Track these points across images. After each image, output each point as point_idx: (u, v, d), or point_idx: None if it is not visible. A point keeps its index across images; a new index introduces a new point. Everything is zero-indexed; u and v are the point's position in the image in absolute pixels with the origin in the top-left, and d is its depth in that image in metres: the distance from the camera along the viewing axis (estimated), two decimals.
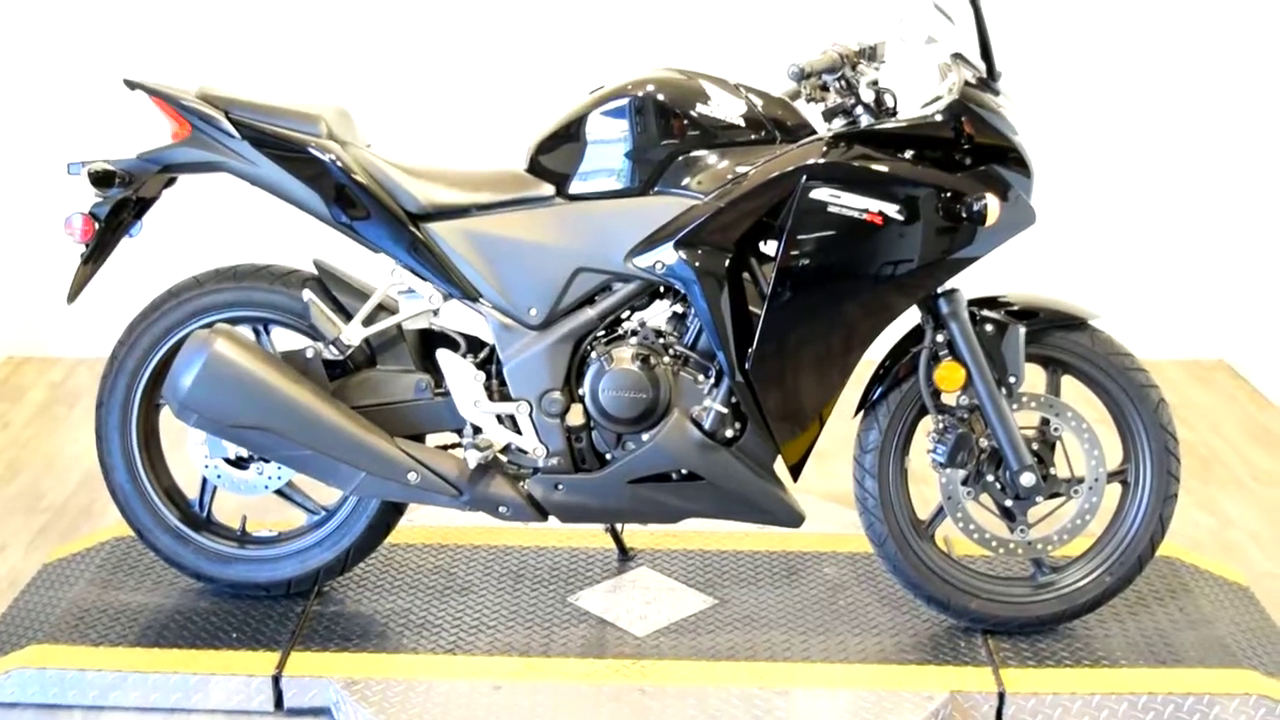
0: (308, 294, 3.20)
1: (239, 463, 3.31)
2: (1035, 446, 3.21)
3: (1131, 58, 5.08)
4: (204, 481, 3.38)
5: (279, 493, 3.37)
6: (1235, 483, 4.30)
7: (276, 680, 3.12)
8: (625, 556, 3.62)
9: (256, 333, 3.32)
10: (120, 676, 3.13)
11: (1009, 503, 3.22)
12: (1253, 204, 5.15)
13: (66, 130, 5.06)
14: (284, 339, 3.31)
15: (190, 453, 3.33)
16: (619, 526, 3.60)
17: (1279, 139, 5.01)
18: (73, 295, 3.31)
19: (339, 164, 3.13)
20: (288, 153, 3.15)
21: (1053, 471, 3.23)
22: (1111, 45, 5.06)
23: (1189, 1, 5.05)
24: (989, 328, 3.17)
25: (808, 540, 3.67)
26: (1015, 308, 3.21)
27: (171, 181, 3.35)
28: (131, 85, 3.23)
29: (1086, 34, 5.02)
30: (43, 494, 4.16)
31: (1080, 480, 3.24)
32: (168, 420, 3.33)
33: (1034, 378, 3.20)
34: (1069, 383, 3.26)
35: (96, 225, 3.22)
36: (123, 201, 3.24)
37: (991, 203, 2.96)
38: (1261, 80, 5.06)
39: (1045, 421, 3.24)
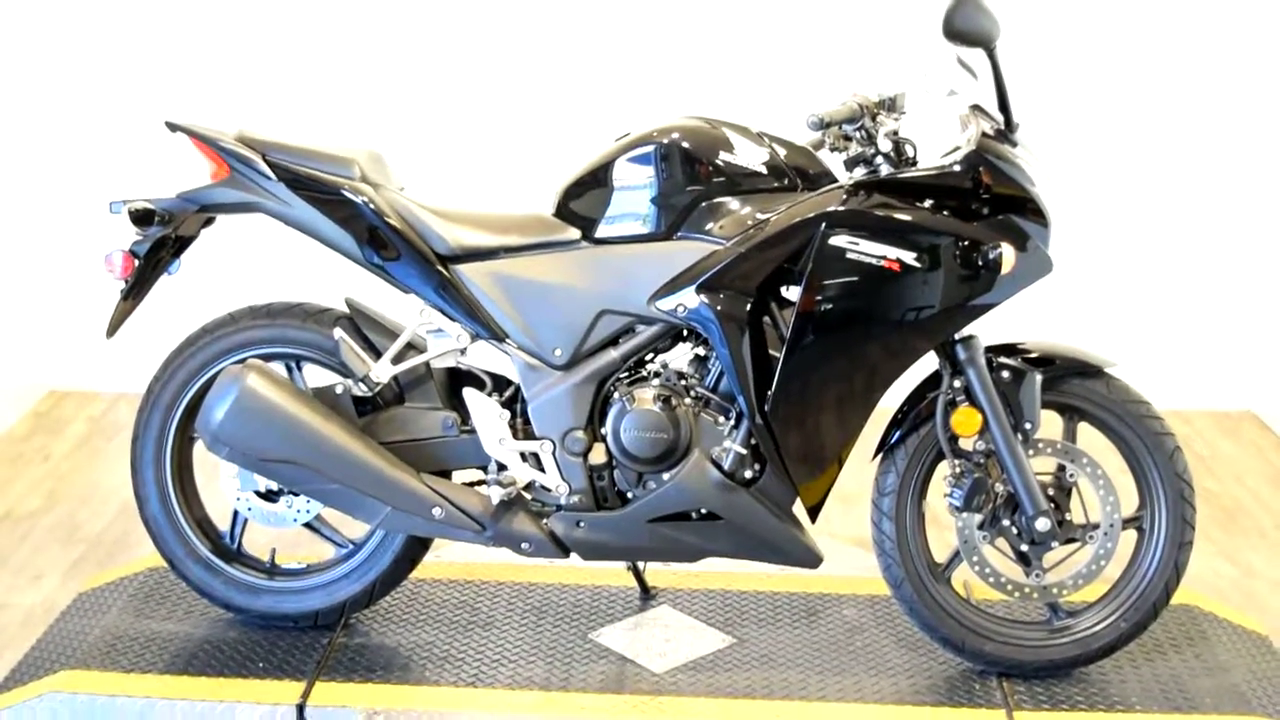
0: (338, 332, 3.29)
1: (269, 496, 3.39)
2: (1051, 492, 3.25)
3: (1156, 106, 5.14)
4: (235, 514, 3.46)
5: (308, 526, 3.44)
6: (1259, 533, 4.32)
7: (301, 709, 3.18)
8: (647, 595, 3.67)
9: (289, 369, 3.40)
10: (149, 703, 3.20)
11: (1025, 547, 3.26)
12: None
13: (108, 170, 5.20)
14: (316, 375, 3.39)
15: (222, 486, 3.40)
16: (640, 565, 3.66)
17: None
18: (112, 330, 3.40)
19: (371, 206, 3.22)
20: (322, 194, 3.24)
21: (1068, 517, 3.27)
22: (1133, 94, 5.12)
23: (1206, 52, 5.09)
24: (1006, 374, 3.21)
25: (828, 582, 3.71)
26: (1032, 355, 3.25)
27: (210, 221, 3.43)
28: (173, 127, 3.32)
29: (1107, 83, 5.08)
30: (80, 525, 4.25)
31: (1095, 526, 3.28)
32: (201, 454, 3.42)
33: (1051, 424, 3.24)
34: (1085, 430, 3.30)
35: (136, 262, 3.31)
36: (162, 240, 3.32)
37: (1007, 251, 3.02)
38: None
39: (1061, 468, 3.28)
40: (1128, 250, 5.19)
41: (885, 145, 3.11)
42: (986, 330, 3.20)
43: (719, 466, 3.21)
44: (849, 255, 3.06)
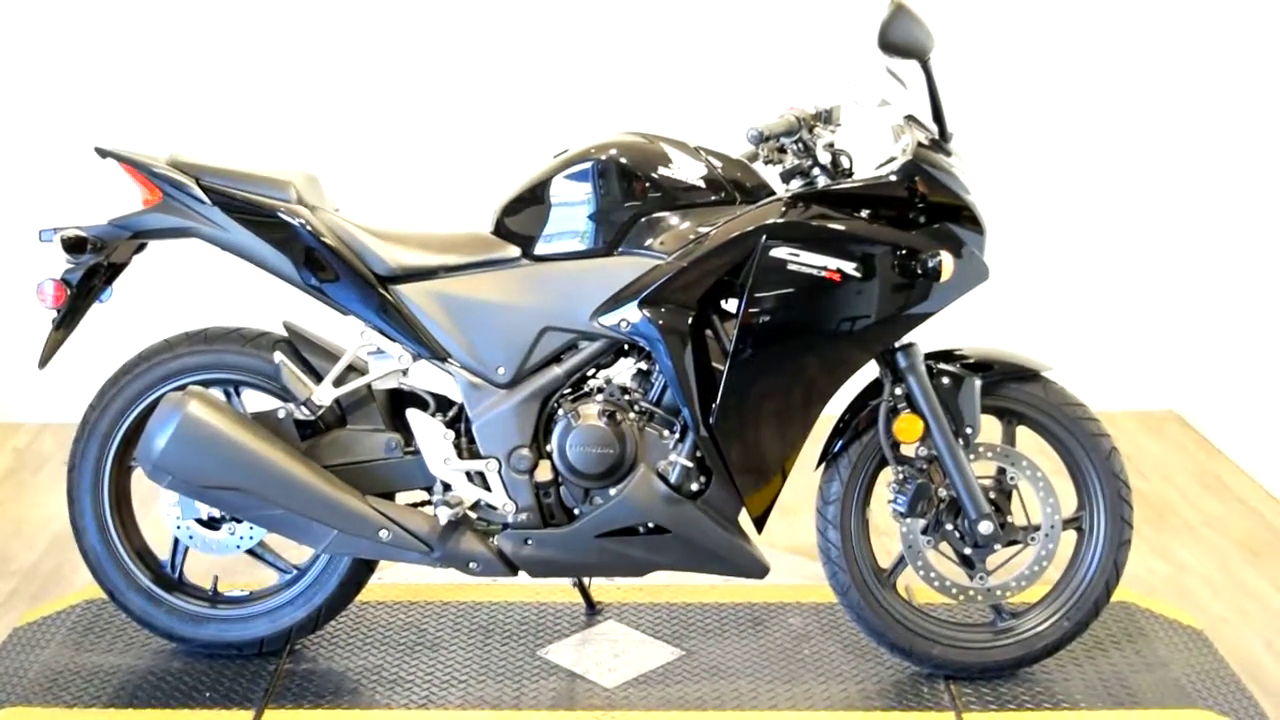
0: (279, 355, 3.26)
1: (211, 523, 3.35)
2: (993, 495, 3.30)
3: (1070, 108, 5.21)
4: (175, 542, 3.42)
5: (250, 552, 3.41)
6: (1187, 529, 4.40)
7: None
8: (592, 610, 3.67)
9: (227, 394, 3.37)
10: None
11: (968, 550, 3.30)
12: (1202, 258, 5.27)
13: (29, 197, 5.11)
14: (254, 401, 3.36)
15: (162, 514, 3.36)
16: (586, 580, 3.66)
17: (1226, 193, 5.14)
18: (44, 361, 3.35)
19: (308, 228, 3.20)
20: (258, 218, 3.22)
21: (1010, 519, 3.31)
22: (1046, 98, 5.19)
23: (1120, 57, 5.19)
24: (945, 380, 3.25)
25: (772, 592, 3.74)
26: (971, 360, 3.30)
27: (142, 248, 3.40)
28: (103, 154, 3.28)
29: (1016, 89, 5.15)
30: (10, 558, 4.17)
31: (1037, 528, 3.33)
32: (138, 482, 3.37)
33: (990, 428, 3.29)
34: (1024, 433, 3.35)
35: (69, 291, 3.27)
36: (94, 268, 3.28)
37: (946, 259, 3.06)
38: (1205, 129, 5.19)
39: (1002, 471, 3.33)
40: (1049, 253, 5.26)
41: (824, 157, 3.14)
42: (920, 337, 3.25)
43: (665, 480, 3.22)
44: (790, 266, 3.09)
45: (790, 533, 4.10)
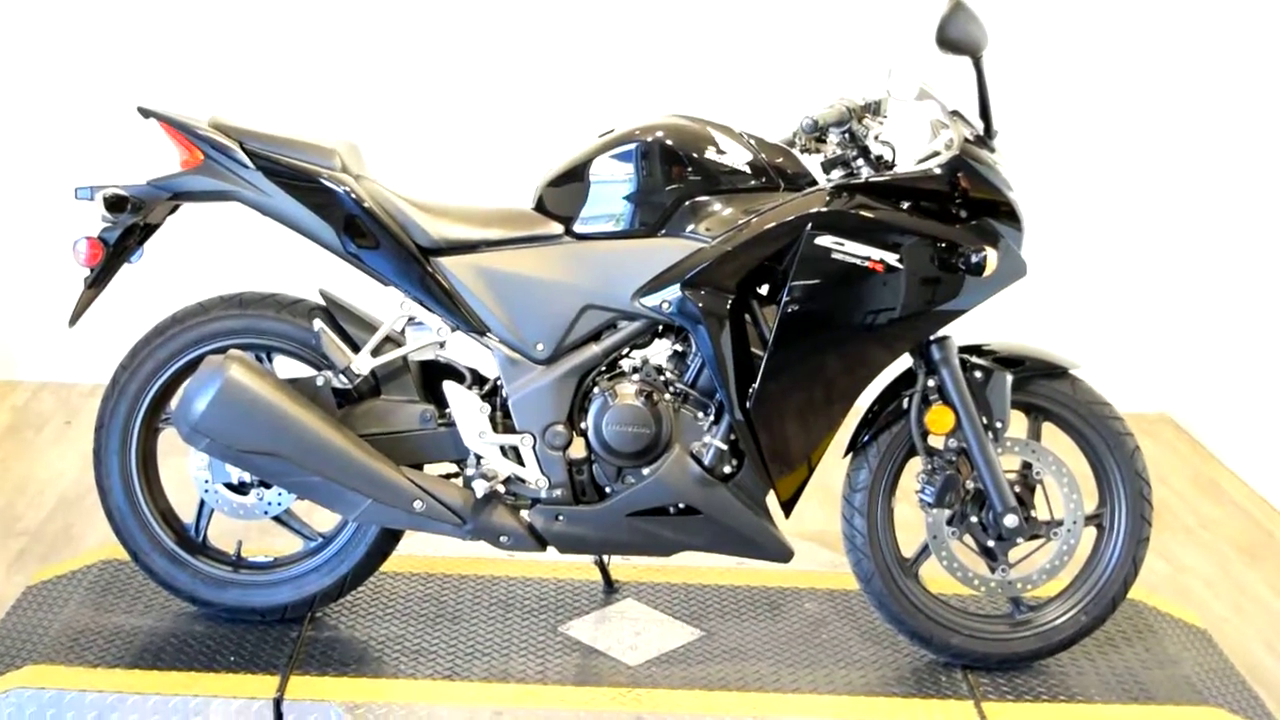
0: (318, 324, 3.26)
1: (240, 488, 3.35)
2: (1018, 489, 3.34)
3: (1063, 114, 5.26)
4: (201, 505, 3.41)
5: (277, 519, 3.41)
6: (1185, 530, 4.47)
7: (278, 704, 3.15)
8: (611, 588, 3.69)
9: (259, 360, 3.36)
10: (120, 698, 3.15)
11: (991, 543, 3.34)
12: (1195, 261, 5.34)
13: (53, 156, 5.07)
14: (285, 367, 3.36)
15: (191, 476, 3.35)
16: (605, 558, 3.68)
17: (1221, 195, 5.20)
18: (75, 319, 3.32)
19: (353, 195, 3.20)
20: (302, 183, 3.21)
21: (1034, 514, 3.36)
22: (1041, 103, 5.23)
23: (1127, 63, 5.24)
24: (978, 374, 3.29)
25: (787, 576, 3.76)
26: (1001, 355, 3.34)
27: (175, 209, 3.38)
28: (146, 114, 3.26)
29: (1017, 91, 5.19)
30: (19, 517, 4.15)
31: (1060, 523, 3.37)
32: (163, 444, 3.37)
33: (1016, 423, 3.33)
34: (1048, 429, 3.39)
35: (105, 250, 3.25)
36: (130, 228, 3.27)
37: (990, 255, 3.10)
38: (1199, 133, 5.25)
39: (1027, 465, 3.37)
40: (1042, 256, 5.29)
41: (875, 149, 3.17)
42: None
43: (699, 462, 3.24)
44: (834, 255, 3.12)
45: (800, 519, 4.12)
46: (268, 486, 3.33)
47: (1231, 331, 5.13)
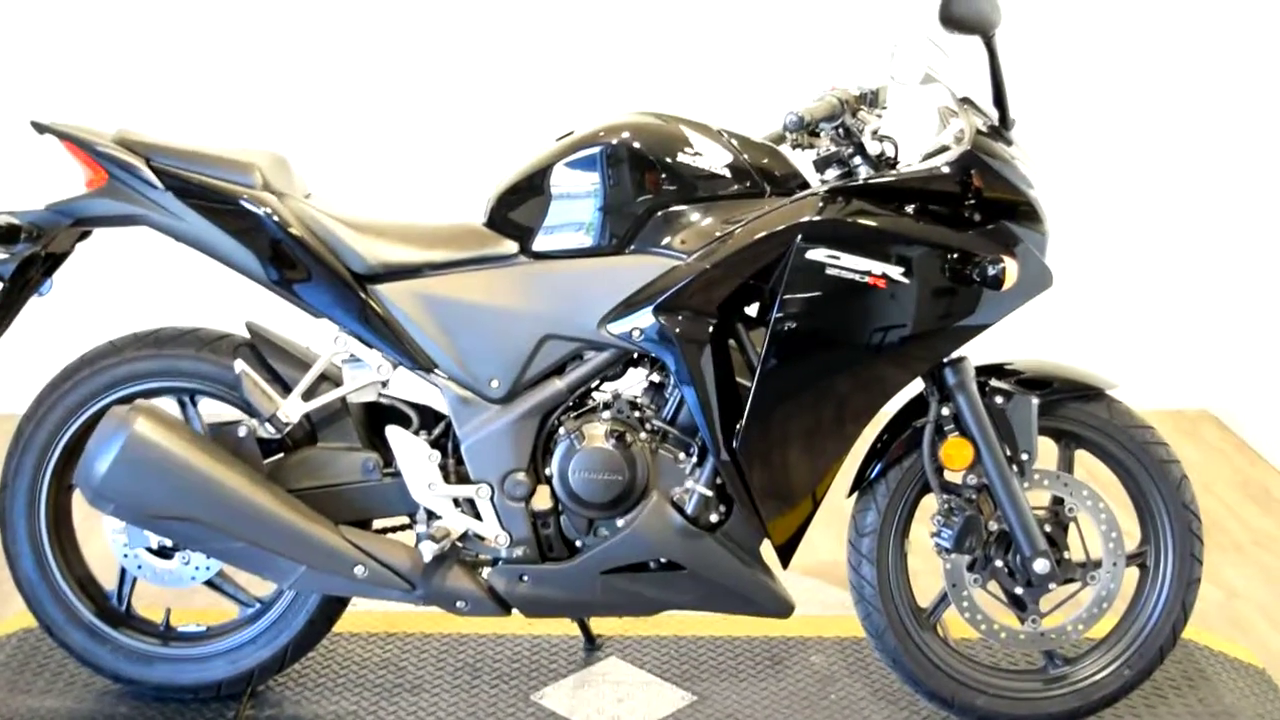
0: (240, 365, 2.86)
1: (163, 552, 2.96)
2: (1048, 528, 2.93)
3: (1102, 101, 4.86)
4: (123, 572, 3.03)
5: (208, 583, 3.03)
6: (1235, 548, 4.04)
7: None
8: (592, 645, 3.30)
9: (182, 404, 2.98)
10: None
11: (1019, 590, 2.94)
12: (1234, 247, 4.94)
13: None
14: (214, 410, 2.97)
15: (108, 540, 2.97)
16: None
17: (1258, 184, 4.79)
18: None
19: (275, 218, 2.80)
20: (217, 205, 2.82)
21: (1067, 555, 2.95)
22: (1079, 90, 4.83)
23: (1151, 55, 4.83)
24: (998, 399, 2.88)
25: (790, 625, 3.33)
26: (1025, 376, 2.93)
27: (85, 235, 3.00)
28: (40, 129, 2.88)
29: (1052, 81, 4.77)
30: None
31: (1097, 564, 2.96)
32: (81, 502, 2.98)
33: (1044, 452, 2.91)
34: (1082, 458, 2.98)
35: (1, 285, 2.87)
36: (30, 258, 2.89)
37: (1010, 266, 2.68)
38: (1240, 121, 4.86)
39: (1058, 501, 2.96)
40: (1078, 246, 4.89)
41: (873, 146, 2.75)
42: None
43: (681, 510, 2.84)
44: (828, 271, 2.71)
45: (807, 551, 3.71)
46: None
47: (1277, 320, 4.70)
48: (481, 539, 2.89)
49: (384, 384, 2.89)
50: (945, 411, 2.87)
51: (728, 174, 2.80)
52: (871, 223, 2.72)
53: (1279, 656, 3.46)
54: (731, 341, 2.82)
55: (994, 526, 2.91)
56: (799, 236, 2.70)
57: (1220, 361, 5.01)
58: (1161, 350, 5.02)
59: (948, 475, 2.90)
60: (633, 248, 2.80)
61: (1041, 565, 2.89)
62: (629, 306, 2.78)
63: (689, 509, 2.84)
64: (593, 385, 2.88)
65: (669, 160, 2.79)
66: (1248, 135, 4.84)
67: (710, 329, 2.76)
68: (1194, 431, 4.88)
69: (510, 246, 2.85)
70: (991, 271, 2.68)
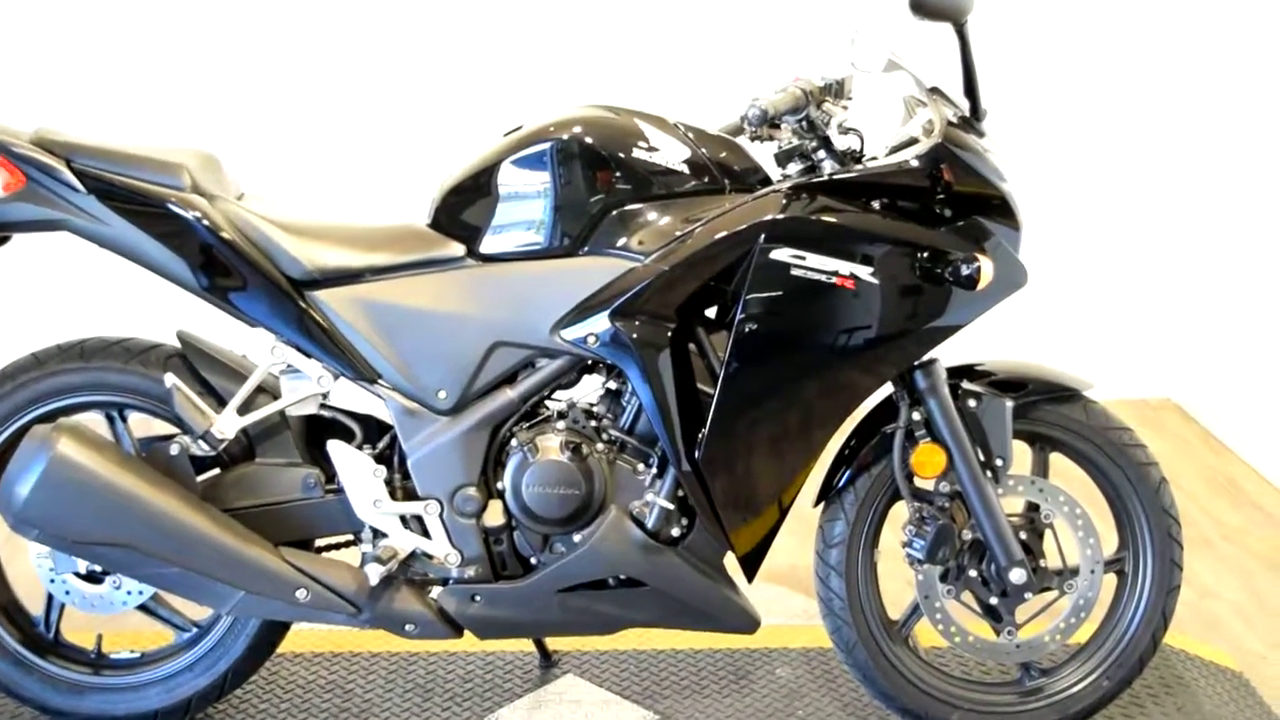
0: (170, 378, 2.69)
1: (92, 576, 2.79)
2: (1023, 536, 2.81)
3: (1066, 98, 4.74)
4: (50, 598, 2.86)
5: (142, 608, 2.86)
6: (1204, 543, 3.95)
7: None
8: (549, 663, 3.16)
9: (110, 420, 2.81)
10: None
11: (994, 600, 2.82)
12: (1196, 236, 4.84)
13: None
14: (145, 425, 2.80)
15: (34, 565, 2.79)
16: None
17: (1220, 173, 4.70)
18: None
19: (205, 222, 2.63)
20: (143, 209, 2.65)
21: (1043, 564, 2.83)
22: (1044, 86, 4.71)
23: (1117, 49, 4.72)
24: (971, 402, 2.76)
25: (754, 637, 3.18)
26: (998, 378, 2.80)
27: (4, 241, 2.82)
28: None
29: (1015, 71, 4.66)
30: None
31: (1074, 572, 2.85)
32: (3, 525, 2.80)
33: (1019, 457, 2.79)
34: (1057, 461, 2.86)
35: None
36: None
37: (985, 265, 2.55)
38: (1201, 116, 4.75)
39: (1034, 507, 2.85)
40: (1038, 235, 4.77)
41: (840, 141, 2.61)
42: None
43: (641, 524, 2.70)
44: (793, 272, 2.57)
45: (769, 556, 3.57)
46: None
47: (1239, 309, 4.62)
48: (431, 558, 2.74)
49: (325, 396, 2.73)
50: (916, 416, 2.75)
51: (685, 170, 2.65)
52: (838, 220, 2.58)
53: (1254, 657, 3.37)
54: (692, 346, 2.68)
55: (968, 535, 2.79)
56: (762, 236, 2.56)
57: (1183, 349, 4.92)
58: (1123, 338, 4.92)
59: (919, 483, 2.78)
60: (586, 249, 2.65)
61: (1017, 575, 2.77)
62: (583, 311, 2.63)
63: (649, 523, 2.70)
64: (546, 394, 2.73)
65: (623, 156, 2.64)
66: (1208, 126, 4.73)
67: (670, 333, 2.62)
68: (1157, 421, 4.79)
69: (456, 249, 2.70)
70: (966, 271, 2.55)
